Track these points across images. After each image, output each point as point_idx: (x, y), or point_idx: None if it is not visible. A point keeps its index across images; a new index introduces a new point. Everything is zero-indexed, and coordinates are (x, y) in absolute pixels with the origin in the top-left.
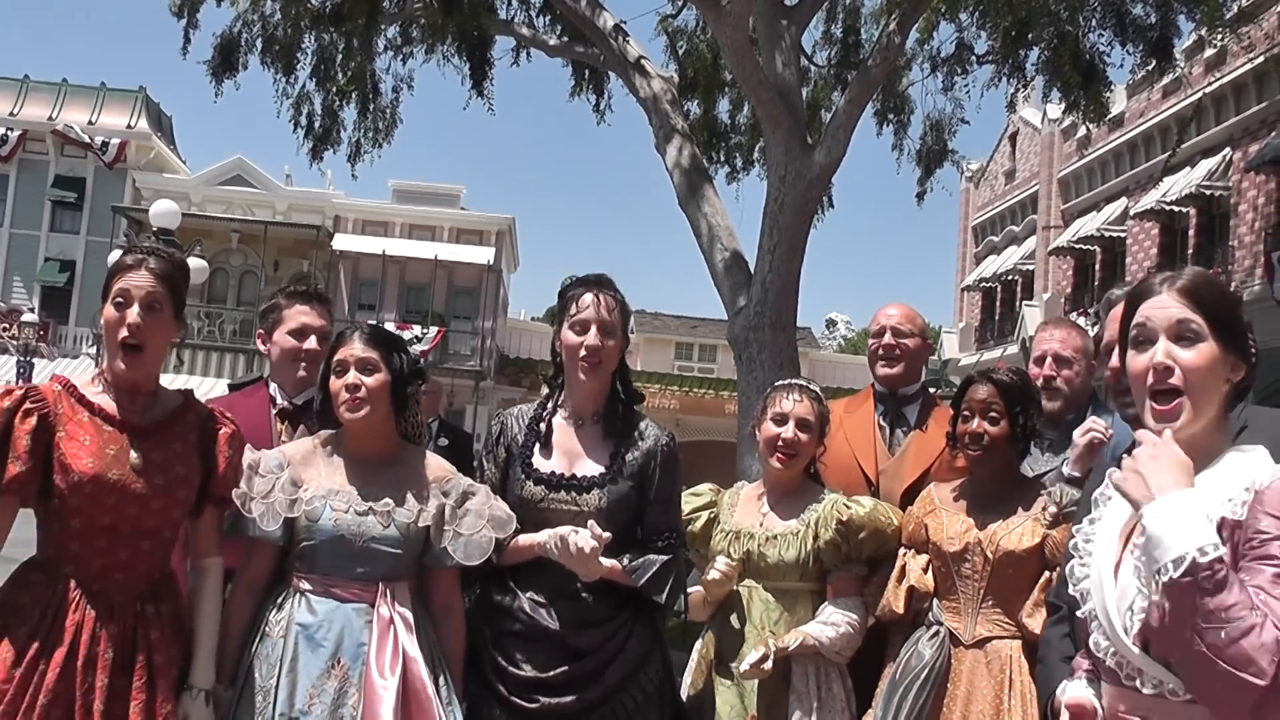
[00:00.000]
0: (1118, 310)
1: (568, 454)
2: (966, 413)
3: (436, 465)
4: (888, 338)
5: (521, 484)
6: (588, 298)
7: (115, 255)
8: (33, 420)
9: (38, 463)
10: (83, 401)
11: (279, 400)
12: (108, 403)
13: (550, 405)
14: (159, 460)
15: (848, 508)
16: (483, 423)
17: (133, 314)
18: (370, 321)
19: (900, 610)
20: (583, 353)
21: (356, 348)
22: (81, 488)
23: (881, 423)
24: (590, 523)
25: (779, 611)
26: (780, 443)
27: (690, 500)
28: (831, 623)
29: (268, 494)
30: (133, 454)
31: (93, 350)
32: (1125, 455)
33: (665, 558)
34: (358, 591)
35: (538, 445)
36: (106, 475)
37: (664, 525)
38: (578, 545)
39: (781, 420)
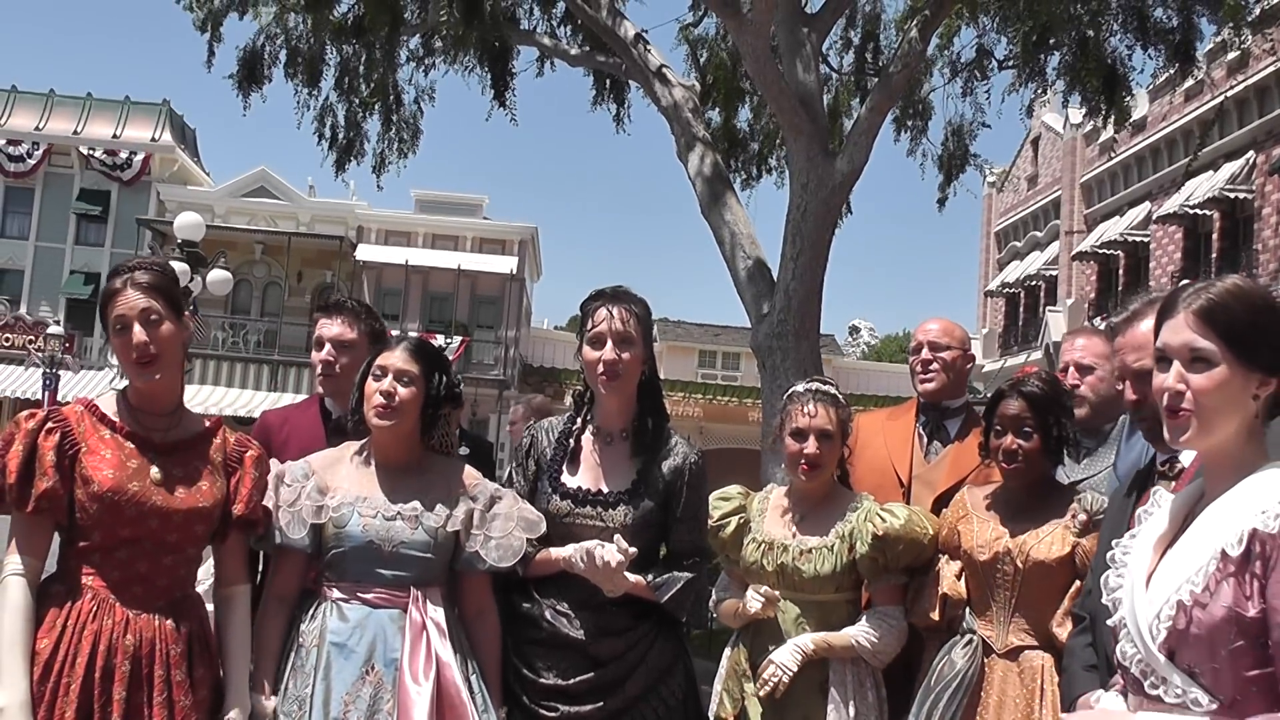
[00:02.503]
0: (1127, 339)
1: (595, 470)
2: (999, 427)
3: (464, 471)
4: (924, 353)
5: (548, 498)
6: (602, 312)
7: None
8: (56, 437)
9: (64, 478)
10: (104, 420)
11: (334, 414)
12: (129, 422)
13: (579, 421)
14: (180, 476)
15: (882, 520)
16: (506, 432)
17: (137, 334)
18: (414, 334)
19: (935, 618)
20: (600, 368)
21: (398, 357)
22: (101, 498)
23: (921, 431)
24: (616, 536)
25: (813, 623)
26: (803, 458)
27: (719, 505)
28: (867, 629)
29: (294, 502)
30: (153, 469)
31: (116, 364)
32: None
33: (690, 575)
34: (389, 597)
35: (566, 461)
36: (126, 487)
37: (690, 543)
38: (603, 559)
39: (801, 435)
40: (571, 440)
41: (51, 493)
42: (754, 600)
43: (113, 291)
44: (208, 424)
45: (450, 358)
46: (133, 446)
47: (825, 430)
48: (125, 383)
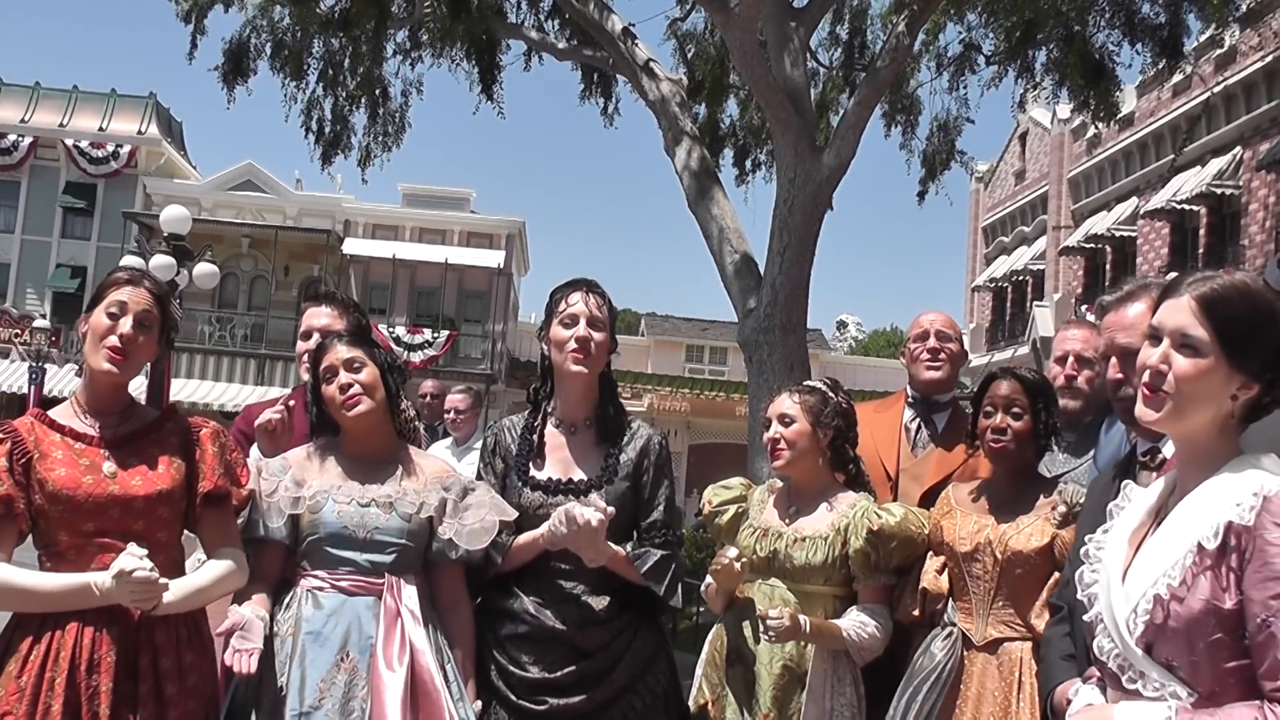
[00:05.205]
0: (1117, 317)
1: (562, 460)
2: (989, 408)
3: (437, 463)
4: (933, 341)
5: (519, 492)
6: (576, 295)
7: (128, 260)
8: (6, 446)
9: (18, 485)
10: (54, 426)
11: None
12: (78, 424)
13: (540, 415)
14: (136, 464)
15: (879, 516)
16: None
17: (125, 324)
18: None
19: (916, 614)
20: (572, 344)
21: (340, 351)
22: (57, 497)
23: (909, 424)
24: (593, 495)
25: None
26: (768, 443)
27: (720, 493)
28: (860, 622)
29: (272, 493)
30: (106, 463)
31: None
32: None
33: (664, 552)
34: (364, 584)
35: (532, 455)
36: (81, 482)
37: (661, 522)
38: (584, 517)
39: (768, 425)
40: (535, 435)
41: (6, 497)
42: (722, 558)
43: (123, 280)
44: (159, 413)
45: (437, 352)
46: (83, 445)
47: (785, 414)
48: (79, 385)
